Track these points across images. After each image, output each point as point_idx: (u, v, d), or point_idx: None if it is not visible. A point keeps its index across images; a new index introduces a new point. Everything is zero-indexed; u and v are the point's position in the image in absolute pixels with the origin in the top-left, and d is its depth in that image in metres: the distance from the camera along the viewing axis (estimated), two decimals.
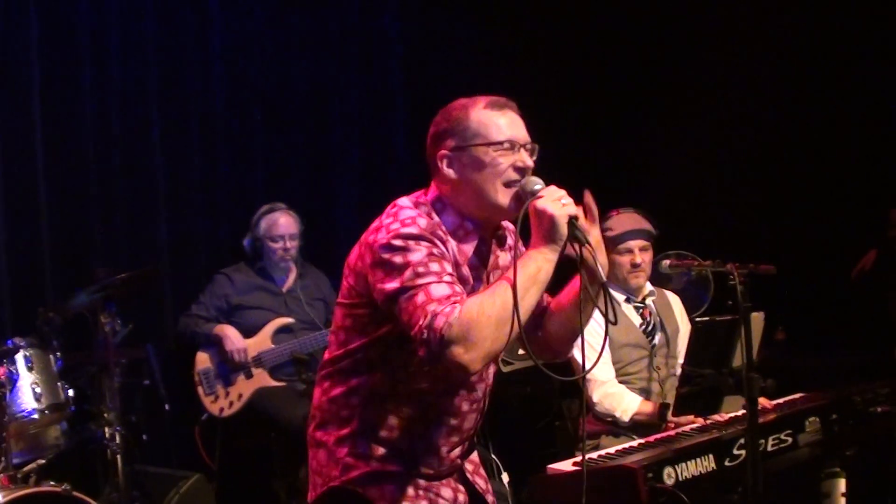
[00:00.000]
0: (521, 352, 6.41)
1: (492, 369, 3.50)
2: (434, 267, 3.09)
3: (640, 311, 5.61)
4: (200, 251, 7.50)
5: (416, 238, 3.13)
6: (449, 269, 3.14)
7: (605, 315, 3.20)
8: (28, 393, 5.29)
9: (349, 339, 3.36)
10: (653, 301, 5.65)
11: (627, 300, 5.60)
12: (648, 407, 5.27)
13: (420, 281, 3.06)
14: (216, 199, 7.60)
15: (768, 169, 7.85)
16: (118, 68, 7.06)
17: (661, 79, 8.22)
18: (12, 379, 5.21)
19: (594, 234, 3.26)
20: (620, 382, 5.45)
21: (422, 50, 8.48)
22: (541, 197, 3.15)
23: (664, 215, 5.76)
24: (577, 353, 5.41)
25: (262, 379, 6.64)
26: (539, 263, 3.11)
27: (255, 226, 6.92)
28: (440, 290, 3.05)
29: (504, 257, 3.43)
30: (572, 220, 3.13)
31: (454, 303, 3.02)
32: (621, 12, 8.45)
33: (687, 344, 4.90)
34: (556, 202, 3.13)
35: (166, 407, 6.49)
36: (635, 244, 5.53)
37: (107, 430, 5.81)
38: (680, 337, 5.61)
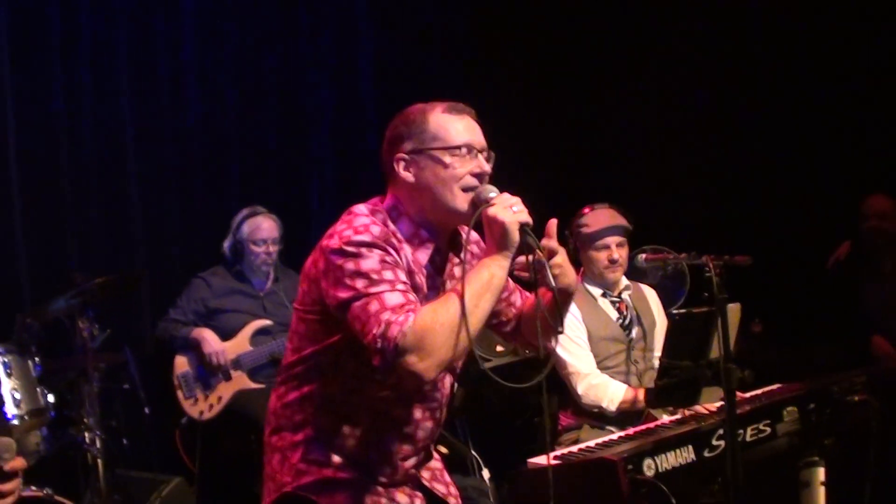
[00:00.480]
0: (499, 349, 6.43)
1: (448, 379, 3.51)
2: (387, 275, 3.10)
3: (617, 305, 5.65)
4: (177, 255, 7.48)
5: (369, 245, 3.13)
6: (402, 277, 3.14)
7: (554, 324, 3.25)
8: (7, 399, 5.27)
9: (302, 346, 3.37)
10: (629, 295, 5.69)
11: (604, 295, 5.64)
12: (633, 394, 5.34)
13: (373, 289, 3.06)
14: (192, 204, 7.59)
15: (742, 160, 7.87)
16: (90, 72, 7.04)
17: (631, 70, 8.22)
18: None
19: (557, 251, 3.32)
20: None
21: (392, 52, 8.49)
22: (493, 205, 3.17)
23: (637, 209, 5.78)
24: (559, 349, 5.49)
25: (242, 381, 6.64)
26: (492, 270, 3.12)
27: (236, 229, 6.91)
28: (394, 298, 3.05)
29: (459, 269, 3.40)
30: (524, 227, 3.14)
31: (408, 311, 3.02)
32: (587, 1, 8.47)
33: (664, 336, 4.92)
34: (507, 209, 3.14)
35: (146, 411, 6.47)
36: (612, 240, 5.57)
37: (87, 435, 5.81)
38: (656, 330, 5.67)
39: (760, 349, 6.77)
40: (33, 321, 5.69)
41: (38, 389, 5.46)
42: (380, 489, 3.40)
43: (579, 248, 5.64)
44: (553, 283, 3.19)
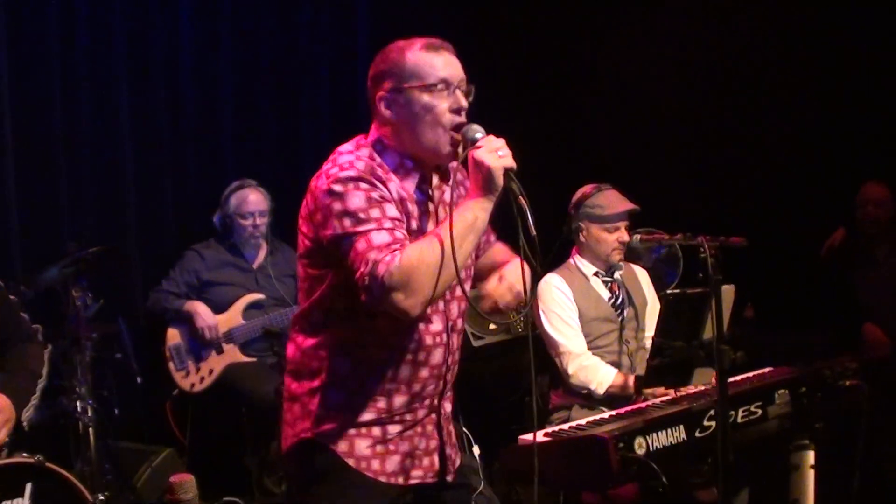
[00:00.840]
0: (492, 326, 6.44)
1: (455, 305, 3.53)
2: (374, 213, 3.16)
3: (609, 285, 5.64)
4: (170, 226, 7.49)
5: (355, 180, 3.20)
6: (390, 212, 3.20)
7: (533, 268, 3.30)
8: None
9: (312, 289, 3.41)
10: (620, 275, 5.68)
11: (596, 274, 5.63)
12: (622, 379, 5.32)
13: (360, 228, 3.14)
14: (185, 175, 7.60)
15: (740, 144, 7.85)
16: (86, 44, 7.04)
17: (627, 49, 8.16)
18: None
19: None
20: None
21: (389, 21, 8.48)
22: (479, 147, 3.22)
23: (634, 191, 5.77)
24: (549, 328, 5.49)
25: (233, 354, 6.66)
26: (475, 212, 3.19)
27: (224, 202, 6.91)
28: (380, 237, 3.12)
29: (449, 192, 3.44)
30: (508, 172, 3.20)
31: (394, 251, 3.09)
32: None
33: (657, 316, 4.91)
34: (492, 153, 3.20)
35: (138, 381, 6.48)
36: (623, 223, 5.56)
37: (79, 404, 5.81)
38: (648, 310, 5.66)
39: (753, 333, 6.78)
40: (26, 289, 5.69)
41: None
42: (399, 434, 3.44)
43: (586, 227, 5.61)
44: (533, 231, 3.22)
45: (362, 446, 3.38)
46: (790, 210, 7.61)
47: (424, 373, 3.44)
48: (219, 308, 6.71)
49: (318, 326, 3.40)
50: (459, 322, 3.56)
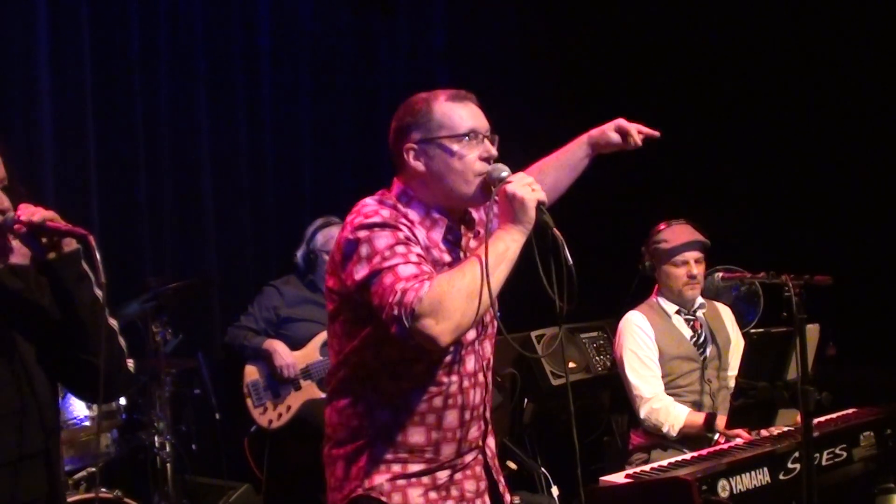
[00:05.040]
0: (571, 364, 6.40)
1: (488, 344, 3.53)
2: (399, 249, 3.16)
3: (691, 323, 5.58)
4: (248, 261, 7.52)
5: (380, 226, 3.21)
6: (416, 250, 3.21)
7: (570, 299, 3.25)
8: (79, 400, 5.30)
9: (342, 346, 3.40)
10: (703, 313, 5.62)
11: (678, 312, 5.58)
12: (697, 418, 5.26)
13: (387, 263, 3.13)
14: (264, 211, 7.63)
15: (818, 179, 7.76)
16: (167, 80, 7.10)
17: (706, 83, 8.12)
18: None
19: None
20: (671, 395, 5.43)
21: (468, 58, 8.50)
22: (510, 182, 3.25)
23: (712, 227, 5.72)
24: (626, 369, 5.46)
25: (311, 391, 6.65)
26: (507, 243, 3.19)
27: (310, 239, 6.91)
28: (407, 270, 3.12)
29: (474, 242, 3.49)
30: (540, 205, 3.22)
31: (422, 280, 3.09)
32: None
33: (741, 356, 4.85)
34: (525, 187, 3.22)
35: (217, 417, 6.49)
36: (691, 256, 5.51)
37: (157, 439, 5.83)
38: (731, 349, 5.58)
39: (835, 372, 6.69)
40: None
41: None
42: (449, 479, 3.42)
43: (656, 264, 5.60)
44: (570, 261, 3.22)
45: (415, 495, 3.36)
46: (870, 243, 7.50)
47: (467, 415, 3.42)
48: (296, 344, 6.71)
49: (352, 383, 3.39)
50: (491, 360, 3.56)
